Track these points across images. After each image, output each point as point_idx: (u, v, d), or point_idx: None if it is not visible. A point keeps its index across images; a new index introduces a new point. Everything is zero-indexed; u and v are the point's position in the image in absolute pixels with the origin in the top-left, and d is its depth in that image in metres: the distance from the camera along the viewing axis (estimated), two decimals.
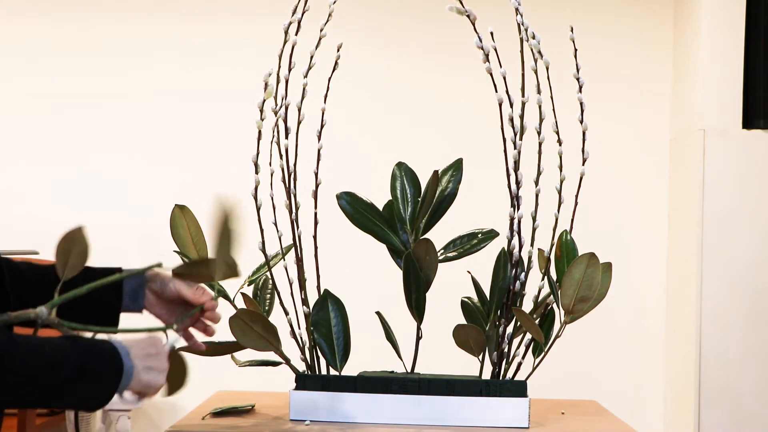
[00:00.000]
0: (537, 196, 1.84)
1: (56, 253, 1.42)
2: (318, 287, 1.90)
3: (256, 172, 1.85)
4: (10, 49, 3.53)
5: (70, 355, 1.26)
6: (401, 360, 1.90)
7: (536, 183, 1.84)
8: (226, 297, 1.87)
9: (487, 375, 1.86)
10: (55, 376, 1.24)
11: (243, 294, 1.87)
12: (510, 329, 1.85)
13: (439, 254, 1.87)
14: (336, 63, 1.89)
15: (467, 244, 1.92)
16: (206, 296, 1.59)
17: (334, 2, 1.87)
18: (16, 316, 1.34)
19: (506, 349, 1.84)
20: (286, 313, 1.86)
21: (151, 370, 1.34)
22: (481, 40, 1.81)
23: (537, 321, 1.86)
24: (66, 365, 1.25)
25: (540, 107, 1.83)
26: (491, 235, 1.93)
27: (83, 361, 1.27)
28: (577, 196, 1.86)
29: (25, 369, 1.21)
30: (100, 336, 1.41)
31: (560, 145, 1.85)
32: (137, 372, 1.32)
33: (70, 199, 3.52)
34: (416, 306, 1.85)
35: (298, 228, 1.88)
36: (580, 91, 1.85)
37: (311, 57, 1.86)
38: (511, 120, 1.83)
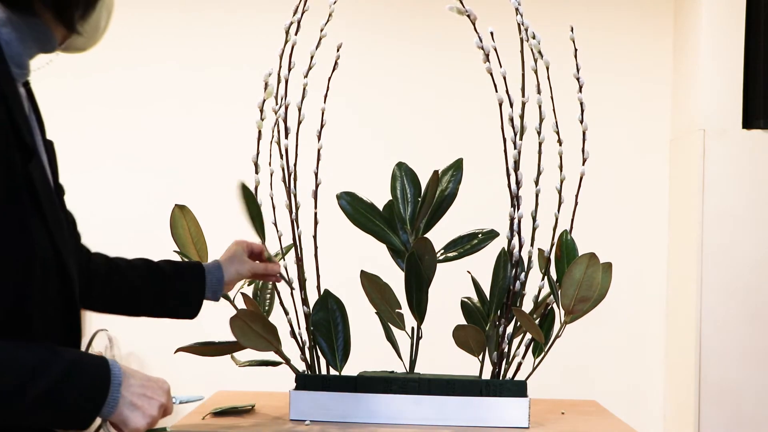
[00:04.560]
0: (537, 196, 1.84)
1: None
2: (318, 287, 1.89)
3: (256, 172, 1.85)
4: None
5: (53, 364, 1.19)
6: (401, 360, 1.90)
7: (536, 183, 1.84)
8: (226, 297, 1.88)
9: (487, 375, 1.86)
10: (35, 383, 1.17)
11: (243, 294, 1.87)
12: (510, 329, 1.85)
13: (439, 254, 1.87)
14: (336, 63, 1.89)
15: (467, 244, 1.92)
16: (274, 269, 1.82)
17: (334, 2, 1.87)
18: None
19: (506, 349, 1.84)
20: (286, 313, 1.86)
21: (136, 410, 1.27)
22: (481, 40, 1.81)
23: (537, 321, 1.86)
24: (46, 374, 1.18)
25: (540, 107, 1.83)
26: (491, 235, 1.93)
27: (64, 375, 1.20)
28: (577, 196, 1.86)
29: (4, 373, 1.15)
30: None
31: (560, 145, 1.85)
32: (121, 404, 1.26)
33: (70, 199, 3.51)
34: (417, 306, 1.85)
35: (298, 228, 1.88)
36: (580, 91, 1.85)
37: (311, 57, 1.86)
38: (511, 120, 1.83)
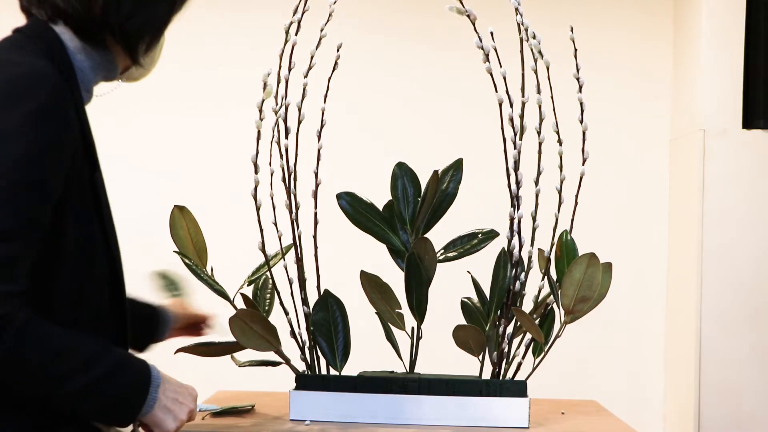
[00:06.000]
0: (537, 196, 1.84)
1: None
2: (318, 287, 1.89)
3: (256, 172, 1.85)
4: None
5: (104, 357, 1.27)
6: (401, 360, 1.90)
7: (536, 183, 1.84)
8: (226, 297, 1.88)
9: (487, 375, 1.86)
10: (83, 375, 1.24)
11: (242, 294, 1.87)
12: (510, 329, 1.85)
13: (439, 254, 1.88)
14: (336, 63, 1.89)
15: (467, 244, 1.92)
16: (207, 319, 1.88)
17: (335, 2, 1.87)
18: None
19: (506, 349, 1.84)
20: (286, 313, 1.86)
21: (169, 413, 1.34)
22: (481, 40, 1.81)
23: (537, 321, 1.86)
24: (97, 366, 1.25)
25: (540, 107, 1.83)
26: (491, 235, 1.93)
27: (113, 369, 1.28)
28: (577, 196, 1.86)
29: (54, 360, 1.21)
30: None
31: (560, 145, 1.85)
32: (156, 406, 1.32)
33: None
34: (417, 306, 1.85)
35: (298, 228, 1.88)
36: (580, 91, 1.85)
37: (311, 57, 1.86)
38: (511, 120, 1.83)
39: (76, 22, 1.31)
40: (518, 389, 1.79)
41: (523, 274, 1.86)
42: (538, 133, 1.85)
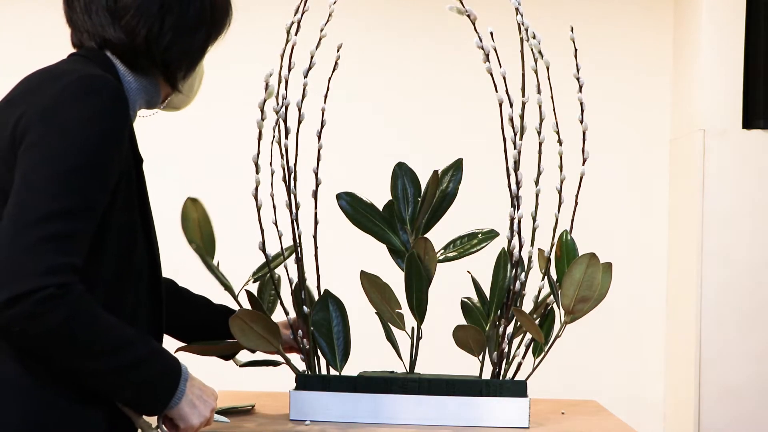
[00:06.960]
0: (537, 196, 1.84)
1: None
2: (318, 287, 1.89)
3: (257, 172, 1.85)
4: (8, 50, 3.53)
5: (140, 344, 1.34)
6: (401, 360, 1.90)
7: (536, 183, 1.84)
8: (231, 292, 1.87)
9: (487, 375, 1.86)
10: (118, 357, 1.31)
11: (247, 291, 1.87)
12: (510, 329, 1.85)
13: (439, 254, 1.88)
14: (336, 63, 1.89)
15: (467, 244, 1.92)
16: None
17: (334, 2, 1.87)
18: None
19: (506, 349, 1.84)
20: (287, 314, 1.86)
21: (194, 408, 1.40)
22: (481, 40, 1.81)
23: (537, 321, 1.86)
24: (133, 350, 1.32)
25: (540, 107, 1.83)
26: (491, 235, 1.93)
27: (147, 356, 1.34)
28: (577, 196, 1.86)
29: (99, 338, 1.28)
30: None
31: (560, 145, 1.85)
32: (183, 400, 1.38)
33: None
34: (417, 306, 1.85)
35: (298, 228, 1.88)
36: (580, 91, 1.85)
37: (311, 57, 1.86)
38: (511, 120, 1.83)
39: (121, 50, 1.44)
40: (518, 389, 1.79)
41: (523, 274, 1.86)
42: (538, 133, 1.85)
